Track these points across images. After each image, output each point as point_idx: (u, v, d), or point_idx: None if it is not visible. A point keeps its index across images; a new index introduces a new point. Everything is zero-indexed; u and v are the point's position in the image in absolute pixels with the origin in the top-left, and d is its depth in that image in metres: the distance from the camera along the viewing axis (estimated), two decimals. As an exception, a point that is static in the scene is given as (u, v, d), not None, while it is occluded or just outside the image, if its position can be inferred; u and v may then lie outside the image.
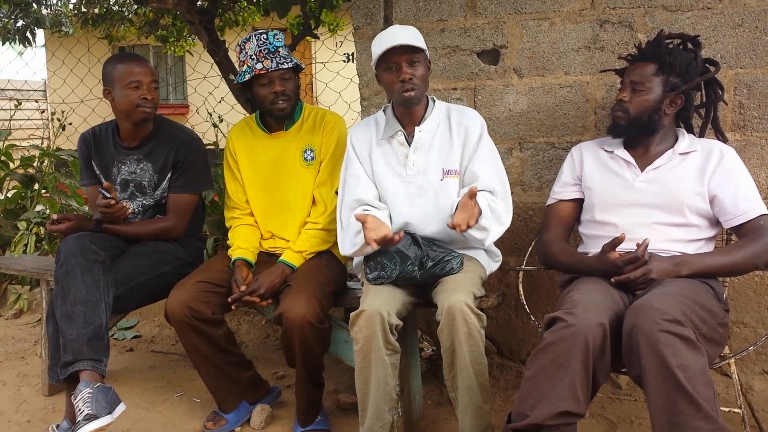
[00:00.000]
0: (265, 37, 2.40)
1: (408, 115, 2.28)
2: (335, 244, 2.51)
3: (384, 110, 2.36)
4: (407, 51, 2.16)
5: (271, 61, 2.37)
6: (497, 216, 2.18)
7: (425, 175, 2.26)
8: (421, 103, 2.26)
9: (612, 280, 1.96)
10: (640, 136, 2.17)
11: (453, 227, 2.01)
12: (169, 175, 2.62)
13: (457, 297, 2.01)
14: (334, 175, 2.48)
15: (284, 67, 2.38)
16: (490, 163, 2.25)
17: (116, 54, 2.61)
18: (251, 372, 2.56)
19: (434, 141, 2.27)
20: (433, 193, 2.25)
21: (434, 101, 2.33)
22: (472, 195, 2.03)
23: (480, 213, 2.05)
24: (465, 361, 2.02)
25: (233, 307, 2.37)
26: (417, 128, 2.27)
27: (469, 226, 2.00)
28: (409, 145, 2.28)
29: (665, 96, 2.12)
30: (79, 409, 2.08)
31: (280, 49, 2.40)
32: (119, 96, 2.53)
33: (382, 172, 2.30)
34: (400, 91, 2.18)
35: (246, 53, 2.40)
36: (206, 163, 2.72)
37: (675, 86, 2.12)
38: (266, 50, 2.38)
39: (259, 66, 2.37)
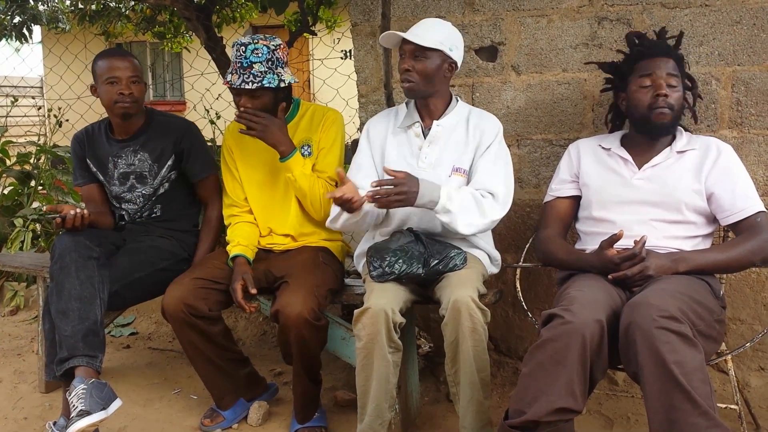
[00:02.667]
0: (243, 49, 2.31)
1: (425, 108, 2.31)
2: (333, 240, 2.52)
3: (407, 103, 2.39)
4: (413, 44, 2.20)
5: (239, 77, 2.31)
6: (481, 208, 2.16)
7: (435, 170, 2.27)
8: (439, 98, 2.30)
9: (609, 277, 1.96)
10: (654, 134, 2.15)
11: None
12: (169, 163, 2.62)
13: (463, 292, 2.02)
14: (333, 165, 2.46)
15: (246, 87, 2.29)
16: (497, 166, 2.26)
17: (105, 50, 2.61)
18: (248, 369, 2.55)
19: (450, 138, 2.29)
20: None
21: (458, 100, 2.36)
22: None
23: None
24: (468, 356, 2.03)
25: (248, 308, 2.34)
26: (435, 122, 2.29)
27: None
28: (425, 138, 2.29)
29: (684, 93, 2.12)
30: (73, 405, 2.08)
31: (256, 66, 2.30)
32: (101, 92, 2.55)
33: (393, 161, 2.31)
34: (401, 80, 2.26)
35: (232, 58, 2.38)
36: (206, 143, 2.78)
37: (687, 84, 2.13)
38: (239, 64, 2.31)
39: (228, 77, 2.34)
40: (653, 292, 1.81)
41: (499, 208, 2.20)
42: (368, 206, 2.18)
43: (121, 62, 2.52)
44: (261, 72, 2.31)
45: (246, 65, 2.31)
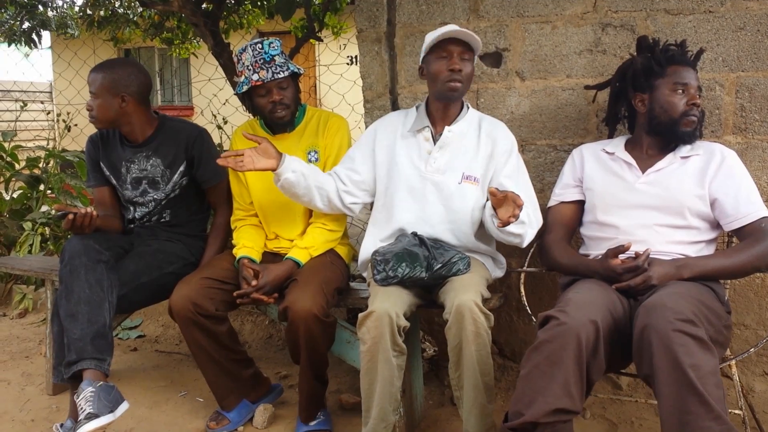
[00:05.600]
0: (260, 46, 2.40)
1: (441, 112, 2.31)
2: (340, 243, 2.55)
3: (417, 107, 2.39)
4: (462, 45, 2.21)
5: (267, 71, 2.38)
6: (529, 219, 2.17)
7: (443, 175, 2.28)
8: (458, 101, 2.30)
9: (613, 287, 1.98)
10: (672, 139, 2.17)
11: (504, 224, 2.01)
12: (181, 169, 2.64)
13: (467, 296, 2.03)
14: None
15: (280, 77, 2.38)
16: (519, 180, 2.27)
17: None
18: (252, 369, 2.57)
19: (461, 144, 2.30)
20: (447, 195, 2.27)
21: (468, 107, 2.36)
22: (495, 193, 2.02)
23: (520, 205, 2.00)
24: (472, 360, 2.04)
25: (238, 301, 2.38)
26: (447, 128, 2.29)
27: (515, 216, 1.99)
28: (434, 143, 2.30)
29: None
30: (81, 408, 2.10)
31: (276, 58, 2.40)
32: None
33: (401, 163, 2.32)
34: (446, 80, 2.21)
35: (243, 64, 2.42)
36: (217, 150, 2.79)
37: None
38: (262, 60, 2.39)
39: (255, 77, 2.38)
40: (668, 296, 1.82)
41: (536, 218, 2.22)
42: (293, 177, 2.24)
43: (89, 77, 2.57)
44: (283, 62, 2.42)
45: (268, 59, 2.40)
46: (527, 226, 2.14)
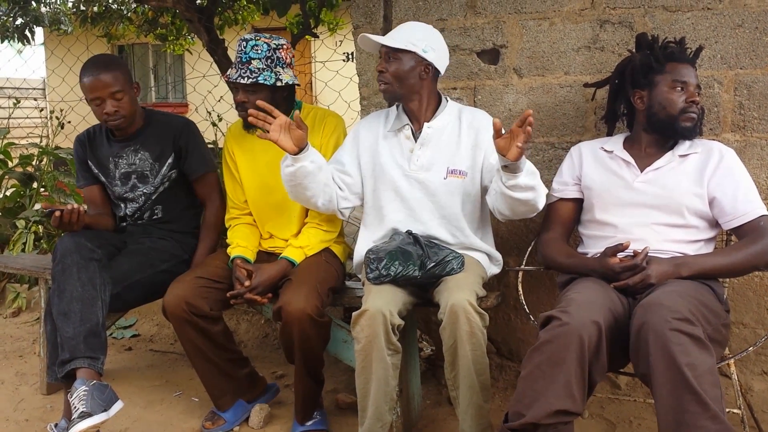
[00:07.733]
0: (245, 44, 2.36)
1: (411, 110, 2.29)
2: (336, 242, 2.53)
3: (397, 105, 2.37)
4: (386, 46, 2.22)
5: (237, 71, 2.34)
6: (538, 179, 2.08)
7: (428, 172, 2.26)
8: (414, 100, 2.26)
9: (611, 286, 1.97)
10: (660, 136, 2.17)
11: (519, 156, 1.91)
12: (169, 161, 2.62)
13: (461, 295, 2.01)
14: None
15: (241, 82, 2.32)
16: None
17: (86, 61, 2.56)
18: (248, 369, 2.55)
19: (442, 139, 2.28)
20: (434, 191, 2.25)
21: (447, 100, 2.34)
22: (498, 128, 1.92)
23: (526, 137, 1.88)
24: (467, 360, 2.02)
25: (232, 302, 2.36)
26: (426, 124, 2.28)
27: (520, 148, 1.89)
28: (416, 141, 2.28)
29: None
30: (75, 407, 2.09)
31: (255, 62, 2.33)
32: (91, 108, 2.55)
33: (385, 164, 2.30)
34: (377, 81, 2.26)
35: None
36: (205, 142, 2.77)
37: None
38: (239, 59, 2.36)
39: (228, 72, 2.37)
40: (665, 294, 1.81)
41: (543, 190, 2.14)
42: (311, 167, 2.16)
43: (100, 79, 2.46)
44: (258, 69, 2.33)
45: (245, 60, 2.34)
46: (536, 177, 2.04)
